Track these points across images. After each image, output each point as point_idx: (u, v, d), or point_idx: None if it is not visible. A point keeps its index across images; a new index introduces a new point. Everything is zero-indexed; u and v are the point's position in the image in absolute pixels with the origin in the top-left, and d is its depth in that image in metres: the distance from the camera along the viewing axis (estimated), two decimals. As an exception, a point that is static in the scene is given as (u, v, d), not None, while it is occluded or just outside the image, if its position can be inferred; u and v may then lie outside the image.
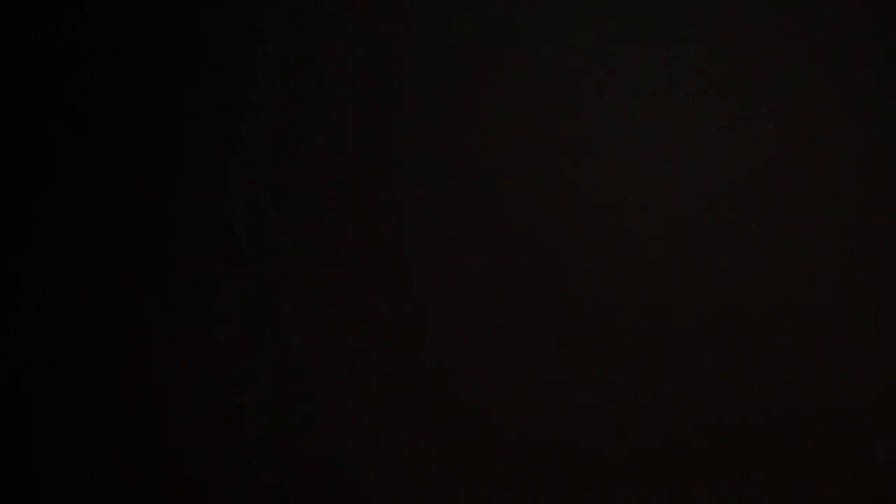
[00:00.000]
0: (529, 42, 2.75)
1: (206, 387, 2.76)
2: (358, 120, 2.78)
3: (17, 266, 2.83)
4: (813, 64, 2.69)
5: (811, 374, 2.63)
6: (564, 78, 2.74)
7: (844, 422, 2.61)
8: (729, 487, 2.63)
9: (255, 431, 2.74)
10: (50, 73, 2.86)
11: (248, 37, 2.82)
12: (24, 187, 2.84)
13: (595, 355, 2.68)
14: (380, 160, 2.77)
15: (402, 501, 2.70)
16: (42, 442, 2.79)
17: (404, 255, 2.74)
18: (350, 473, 2.72)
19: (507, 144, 2.74)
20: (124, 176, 2.82)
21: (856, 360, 2.62)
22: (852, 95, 2.67)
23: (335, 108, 2.79)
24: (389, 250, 2.74)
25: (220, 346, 2.76)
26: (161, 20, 2.85)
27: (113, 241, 2.81)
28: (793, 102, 2.68)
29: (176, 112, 2.83)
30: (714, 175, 2.68)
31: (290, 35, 2.81)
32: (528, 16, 2.76)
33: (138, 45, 2.85)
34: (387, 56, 2.79)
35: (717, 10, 2.71)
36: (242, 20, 2.83)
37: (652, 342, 2.67)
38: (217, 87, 2.82)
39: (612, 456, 2.66)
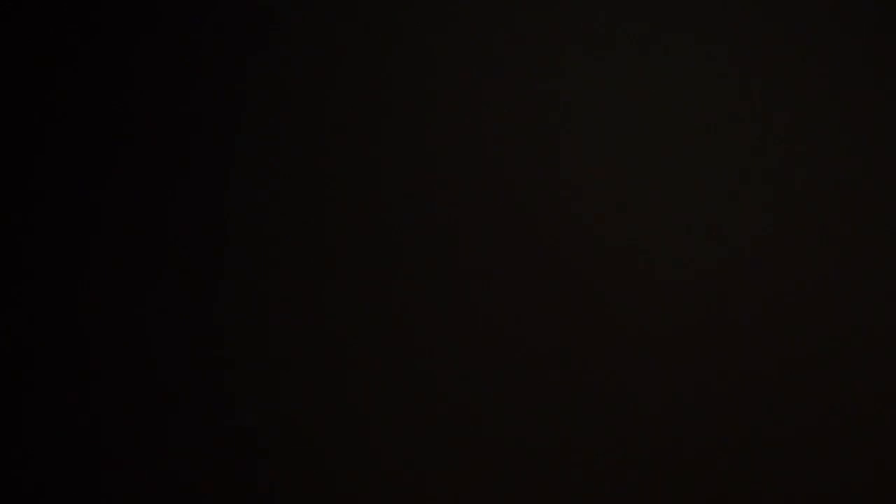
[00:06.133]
0: (528, 43, 2.75)
1: (204, 387, 2.76)
2: (357, 122, 2.78)
3: (15, 266, 2.83)
4: (813, 64, 2.69)
5: (811, 375, 2.63)
6: (563, 79, 2.74)
7: (845, 423, 2.61)
8: (729, 488, 2.63)
9: (250, 432, 2.74)
10: (49, 72, 2.87)
11: (246, 37, 2.82)
12: (23, 187, 2.84)
13: (594, 355, 2.68)
14: (378, 161, 2.77)
15: (401, 502, 2.70)
16: (40, 442, 2.79)
17: (404, 257, 2.74)
18: (349, 474, 2.72)
19: (505, 146, 2.74)
20: (122, 175, 2.82)
21: (856, 361, 2.62)
22: (853, 95, 2.67)
23: (332, 109, 2.79)
24: (388, 251, 2.74)
25: (217, 346, 2.76)
26: (159, 19, 2.85)
27: (111, 241, 2.81)
28: (792, 102, 2.68)
29: (173, 111, 2.83)
30: (714, 175, 2.68)
31: (288, 35, 2.81)
32: (528, 16, 2.76)
33: (137, 44, 2.85)
34: (385, 57, 2.79)
35: (717, 10, 2.71)
36: (241, 20, 2.83)
37: (651, 342, 2.67)
38: (214, 87, 2.82)
39: (611, 458, 2.66)
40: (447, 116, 2.75)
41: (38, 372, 2.79)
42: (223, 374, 2.76)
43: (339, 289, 2.75)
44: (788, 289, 2.64)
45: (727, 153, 2.68)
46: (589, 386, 2.67)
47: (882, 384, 2.60)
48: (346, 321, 2.74)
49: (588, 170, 2.71)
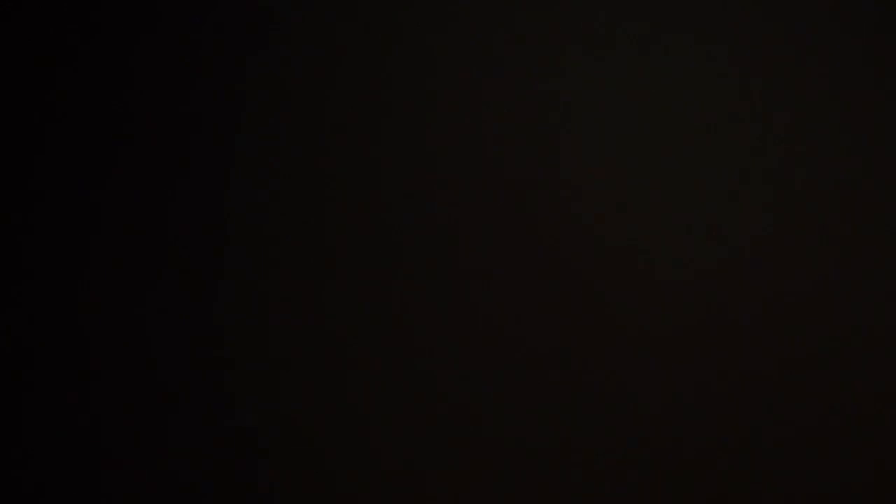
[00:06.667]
0: (528, 43, 2.75)
1: (204, 387, 2.76)
2: (357, 122, 2.78)
3: (15, 266, 2.83)
4: (813, 64, 2.69)
5: (811, 375, 2.63)
6: (563, 79, 2.74)
7: (845, 423, 2.61)
8: (729, 488, 2.63)
9: (250, 432, 2.74)
10: (49, 72, 2.87)
11: (246, 37, 2.82)
12: (23, 187, 2.84)
13: (594, 355, 2.68)
14: (378, 161, 2.77)
15: (400, 502, 2.70)
16: (40, 442, 2.79)
17: (404, 257, 2.74)
18: (349, 474, 2.72)
19: (505, 146, 2.74)
20: (122, 175, 2.82)
21: (856, 361, 2.62)
22: (853, 95, 2.67)
23: (332, 109, 2.79)
24: (388, 251, 2.74)
25: (217, 346, 2.76)
26: (159, 19, 2.85)
27: (111, 241, 2.81)
28: (792, 102, 2.68)
29: (173, 111, 2.83)
30: (714, 175, 2.68)
31: (288, 35, 2.81)
32: (528, 16, 2.76)
33: (137, 44, 2.85)
34: (385, 57, 2.79)
35: (717, 10, 2.71)
36: (241, 20, 2.83)
37: (651, 342, 2.67)
38: (214, 87, 2.82)
39: (611, 458, 2.66)
40: (447, 116, 2.75)
41: (38, 372, 2.79)
42: (223, 374, 2.76)
43: (339, 289, 2.75)
44: (788, 289, 2.64)
45: (727, 153, 2.68)
46: (589, 386, 2.67)
47: (882, 384, 2.60)
48: (346, 321, 2.74)
49: (588, 170, 2.71)
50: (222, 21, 2.83)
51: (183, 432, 2.75)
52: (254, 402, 2.74)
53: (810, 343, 2.63)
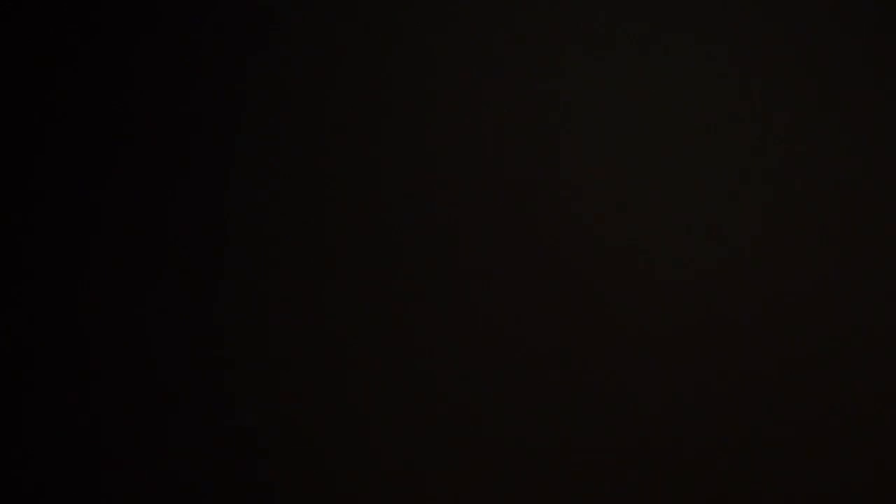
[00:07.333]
0: (528, 43, 2.75)
1: (204, 387, 2.76)
2: (357, 122, 2.78)
3: (15, 266, 2.83)
4: (813, 64, 2.69)
5: (811, 375, 2.63)
6: (563, 79, 2.74)
7: (845, 423, 2.61)
8: (729, 488, 2.63)
9: (250, 432, 2.74)
10: (49, 72, 2.87)
11: (246, 37, 2.82)
12: (23, 187, 2.84)
13: (594, 355, 2.68)
14: (378, 161, 2.77)
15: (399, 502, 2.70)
16: (40, 442, 2.79)
17: (404, 257, 2.74)
18: (349, 474, 2.72)
19: (505, 146, 2.74)
20: (122, 175, 2.82)
21: (856, 361, 2.62)
22: (853, 95, 2.67)
23: (332, 109, 2.79)
24: (388, 251, 2.74)
25: (217, 346, 2.76)
26: (159, 19, 2.85)
27: (111, 241, 2.81)
28: (792, 102, 2.68)
29: (173, 111, 2.83)
30: (714, 175, 2.68)
31: (288, 35, 2.81)
32: (528, 16, 2.76)
33: (137, 44, 2.85)
34: (385, 57, 2.79)
35: (717, 10, 2.71)
36: (241, 20, 2.83)
37: (651, 342, 2.67)
38: (214, 87, 2.82)
39: (611, 458, 2.66)
40: (447, 116, 2.75)
41: (38, 372, 2.79)
42: (223, 374, 2.76)
43: (339, 289, 2.75)
44: (788, 289, 2.64)
45: (727, 153, 2.68)
46: (589, 386, 2.67)
47: (882, 384, 2.60)
48: (346, 321, 2.74)
49: (588, 170, 2.71)
50: (222, 21, 2.83)
51: (183, 432, 2.75)
52: (254, 402, 2.74)
53: (810, 343, 2.63)
